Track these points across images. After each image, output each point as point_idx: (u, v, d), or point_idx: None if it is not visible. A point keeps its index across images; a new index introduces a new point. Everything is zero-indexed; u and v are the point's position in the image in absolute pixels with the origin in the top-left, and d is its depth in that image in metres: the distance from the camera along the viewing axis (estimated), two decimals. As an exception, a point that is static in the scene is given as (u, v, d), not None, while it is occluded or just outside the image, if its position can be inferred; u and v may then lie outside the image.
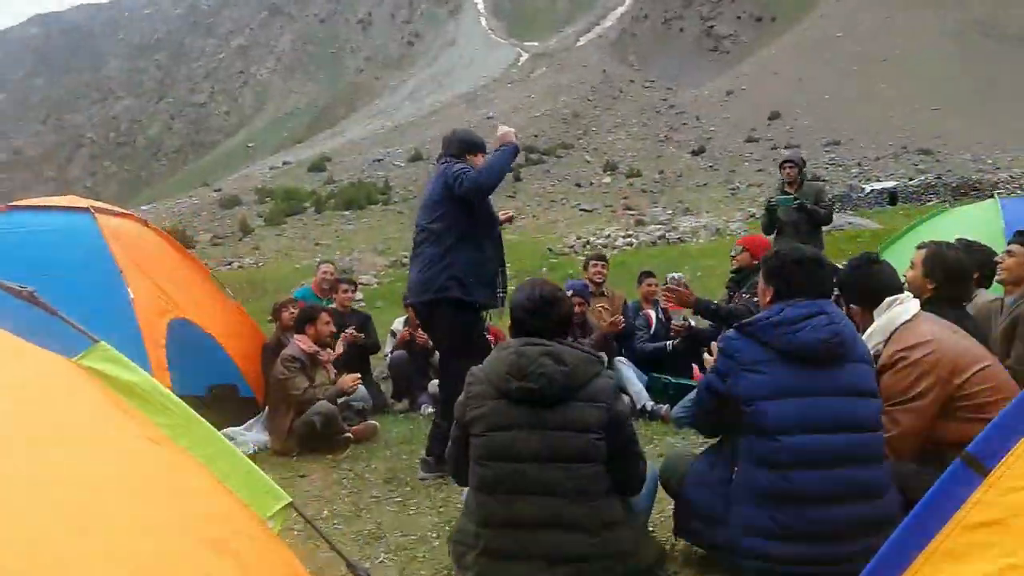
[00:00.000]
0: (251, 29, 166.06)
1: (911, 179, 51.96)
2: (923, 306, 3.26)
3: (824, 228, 7.91)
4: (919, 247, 3.77)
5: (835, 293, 5.11)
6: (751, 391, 2.66)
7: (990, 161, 65.41)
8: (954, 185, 39.03)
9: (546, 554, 2.60)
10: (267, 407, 5.88)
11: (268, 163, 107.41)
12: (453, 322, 4.64)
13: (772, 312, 2.76)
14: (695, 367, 6.49)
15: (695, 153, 79.63)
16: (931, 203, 36.30)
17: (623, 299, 7.05)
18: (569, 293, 6.20)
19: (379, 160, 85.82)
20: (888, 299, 3.09)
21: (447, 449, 3.03)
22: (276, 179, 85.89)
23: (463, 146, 4.85)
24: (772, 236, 7.77)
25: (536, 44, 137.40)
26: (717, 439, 3.03)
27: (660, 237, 21.13)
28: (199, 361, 6.22)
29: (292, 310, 6.38)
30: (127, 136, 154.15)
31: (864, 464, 2.61)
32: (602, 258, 7.17)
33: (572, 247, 20.68)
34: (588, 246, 20.12)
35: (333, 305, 7.60)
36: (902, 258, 6.34)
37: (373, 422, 6.03)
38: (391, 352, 7.08)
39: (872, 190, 40.37)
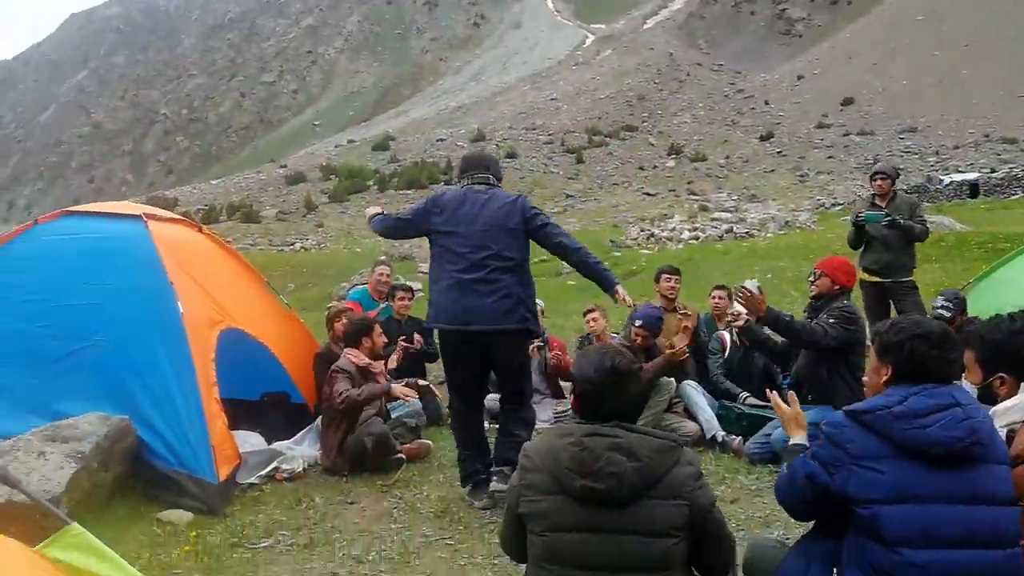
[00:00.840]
0: (320, 10, 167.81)
1: (994, 170, 49.61)
2: None
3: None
4: None
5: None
6: (865, 491, 2.26)
7: (1081, 152, 62.03)
8: (1043, 178, 37.07)
9: None
10: (320, 420, 5.68)
11: (333, 141, 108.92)
12: (524, 351, 4.83)
13: (892, 399, 2.33)
14: (769, 391, 6.05)
15: (763, 139, 77.55)
16: (1016, 196, 34.52)
17: (697, 315, 6.63)
18: (637, 323, 5.85)
19: (442, 140, 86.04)
20: None
21: (501, 529, 2.68)
22: (341, 157, 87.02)
23: (500, 169, 4.99)
24: (859, 251, 7.23)
25: (602, 26, 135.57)
26: (810, 529, 2.64)
27: (728, 231, 20.42)
28: (252, 369, 6.10)
29: (345, 320, 6.17)
30: (199, 113, 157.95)
31: None
32: (676, 271, 6.73)
33: (635, 239, 20.10)
34: (652, 239, 19.55)
35: (389, 309, 7.40)
36: (994, 294, 5.80)
37: (427, 441, 5.78)
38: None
39: (951, 182, 38.61)
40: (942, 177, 40.38)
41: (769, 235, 20.70)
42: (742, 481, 4.92)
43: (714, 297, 6.90)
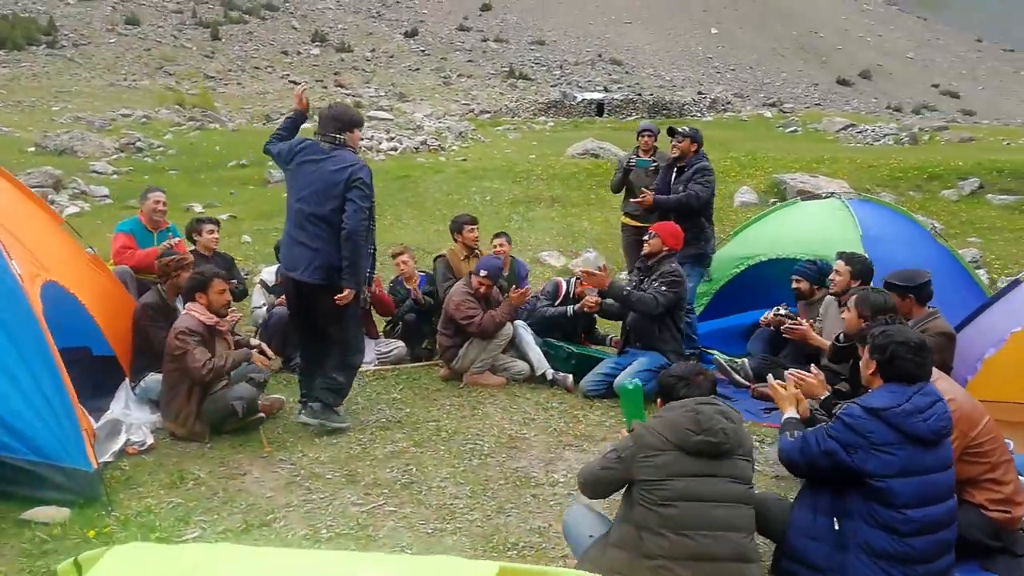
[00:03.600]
0: None
1: (607, 89, 56.38)
2: None
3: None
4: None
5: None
6: (882, 469, 3.02)
7: (668, 78, 73.11)
8: (651, 103, 43.40)
9: None
10: (162, 387, 5.13)
11: None
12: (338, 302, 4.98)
13: (900, 398, 3.09)
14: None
15: (407, 35, 78.37)
16: (631, 118, 40.02)
17: (508, 257, 7.08)
18: (482, 274, 6.17)
19: (40, -7, 72.50)
20: None
21: (593, 473, 3.19)
22: None
23: (354, 123, 5.15)
24: (620, 194, 8.28)
25: None
26: (804, 485, 3.39)
27: (422, 142, 20.86)
28: (58, 322, 5.22)
29: (184, 272, 5.51)
30: None
31: (952, 527, 3.15)
32: (474, 221, 7.16)
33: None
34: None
35: (168, 242, 6.66)
36: (747, 246, 7.13)
37: (279, 396, 5.58)
38: (271, 308, 6.47)
39: (583, 99, 43.37)
40: (575, 94, 44.91)
41: (454, 148, 21.64)
42: (593, 418, 5.60)
43: (495, 245, 7.30)
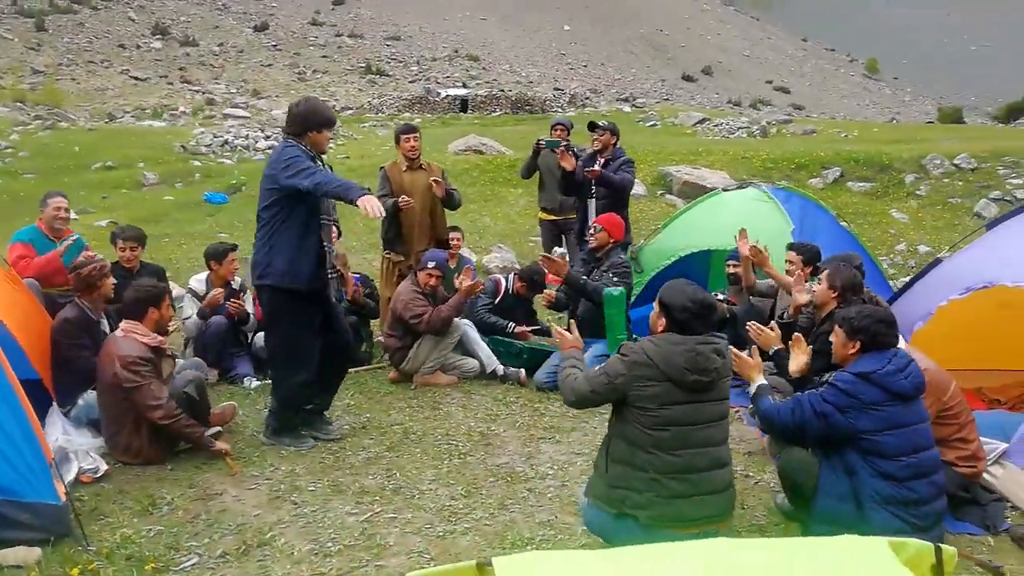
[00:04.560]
0: None
1: (466, 86, 56.66)
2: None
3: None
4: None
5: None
6: (874, 425, 3.38)
7: (524, 75, 74.25)
8: (513, 99, 44.06)
9: (712, 489, 3.40)
10: (103, 419, 4.73)
11: None
12: (271, 307, 4.91)
13: (882, 362, 3.46)
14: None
15: (257, 29, 75.49)
16: (496, 114, 40.44)
17: (441, 170, 6.92)
18: (431, 265, 6.11)
19: None
20: None
21: (583, 395, 3.51)
22: None
23: (311, 125, 4.66)
24: (532, 180, 8.44)
25: None
26: (808, 450, 3.65)
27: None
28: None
29: (107, 280, 5.09)
30: None
31: (940, 472, 3.51)
32: (415, 129, 6.84)
33: (209, 146, 18.53)
34: (227, 146, 18.26)
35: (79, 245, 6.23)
36: (678, 238, 7.39)
37: (232, 403, 5.30)
38: (205, 318, 6.10)
39: (447, 95, 43.40)
40: (439, 90, 44.82)
41: (330, 145, 21.09)
42: (555, 409, 5.67)
43: (451, 239, 7.31)
